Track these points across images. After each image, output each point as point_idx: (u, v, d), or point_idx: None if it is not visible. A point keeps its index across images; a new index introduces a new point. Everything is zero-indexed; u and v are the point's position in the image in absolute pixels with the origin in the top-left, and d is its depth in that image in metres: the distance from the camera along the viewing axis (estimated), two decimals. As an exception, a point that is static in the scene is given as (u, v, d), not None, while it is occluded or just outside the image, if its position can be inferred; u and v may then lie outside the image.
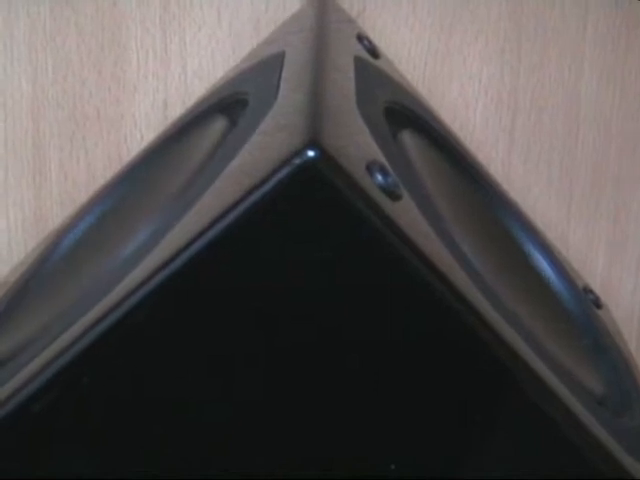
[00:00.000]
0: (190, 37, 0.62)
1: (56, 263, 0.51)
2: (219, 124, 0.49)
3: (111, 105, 0.62)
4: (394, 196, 0.35)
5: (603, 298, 0.57)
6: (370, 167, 0.34)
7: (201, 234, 0.33)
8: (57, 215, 0.63)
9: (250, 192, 0.32)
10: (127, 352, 0.35)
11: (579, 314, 0.51)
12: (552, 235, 0.61)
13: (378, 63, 0.52)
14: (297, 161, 0.32)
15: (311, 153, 0.32)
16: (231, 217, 0.33)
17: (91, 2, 0.61)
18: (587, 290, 0.56)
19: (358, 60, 0.48)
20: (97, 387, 0.35)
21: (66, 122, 0.62)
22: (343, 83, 0.42)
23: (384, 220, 0.33)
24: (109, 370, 0.35)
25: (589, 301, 0.55)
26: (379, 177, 0.34)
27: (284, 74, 0.44)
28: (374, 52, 0.53)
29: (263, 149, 0.37)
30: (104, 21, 0.61)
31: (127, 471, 0.36)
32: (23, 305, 0.48)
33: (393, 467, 0.36)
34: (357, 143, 0.37)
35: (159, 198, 0.48)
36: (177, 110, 0.61)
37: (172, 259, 0.34)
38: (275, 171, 0.32)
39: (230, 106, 0.49)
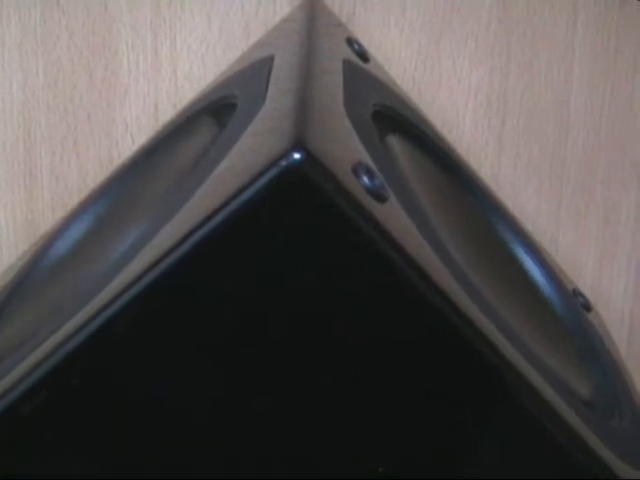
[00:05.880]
0: (181, 41, 0.62)
1: (47, 266, 0.51)
2: (208, 127, 0.49)
3: (102, 109, 0.62)
4: (380, 198, 0.35)
5: (593, 301, 0.57)
6: (356, 169, 0.35)
7: (187, 236, 0.33)
8: (48, 219, 0.63)
9: (236, 194, 0.32)
10: (116, 354, 0.35)
11: (569, 317, 0.52)
12: (541, 238, 0.62)
13: (367, 67, 0.52)
14: (283, 163, 0.32)
15: (297, 155, 0.32)
16: (217, 220, 0.33)
17: (82, 6, 0.61)
18: (577, 293, 0.56)
19: (347, 63, 0.48)
20: (86, 389, 0.35)
21: (57, 126, 0.63)
22: (331, 86, 0.42)
23: (370, 222, 0.33)
24: (98, 372, 0.35)
25: (579, 304, 0.55)
26: (365, 179, 0.34)
27: (273, 77, 0.44)
28: (363, 56, 0.53)
29: (250, 152, 0.37)
30: (95, 25, 0.61)
31: (117, 473, 0.36)
32: (13, 308, 0.48)
33: (381, 469, 0.36)
34: (344, 145, 0.37)
35: (149, 201, 0.48)
36: (168, 113, 0.62)
37: (160, 261, 0.34)
38: (261, 173, 0.32)
39: (219, 109, 0.49)
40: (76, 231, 0.52)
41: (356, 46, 0.53)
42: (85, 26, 0.61)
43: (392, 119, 0.49)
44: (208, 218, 0.33)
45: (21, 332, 0.43)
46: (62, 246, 0.52)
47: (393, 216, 0.35)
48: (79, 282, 0.44)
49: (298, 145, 0.32)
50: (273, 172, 0.32)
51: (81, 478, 0.36)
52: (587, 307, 0.56)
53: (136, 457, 0.36)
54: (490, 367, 0.35)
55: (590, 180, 0.65)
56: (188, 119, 0.54)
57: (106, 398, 0.35)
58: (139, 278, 0.34)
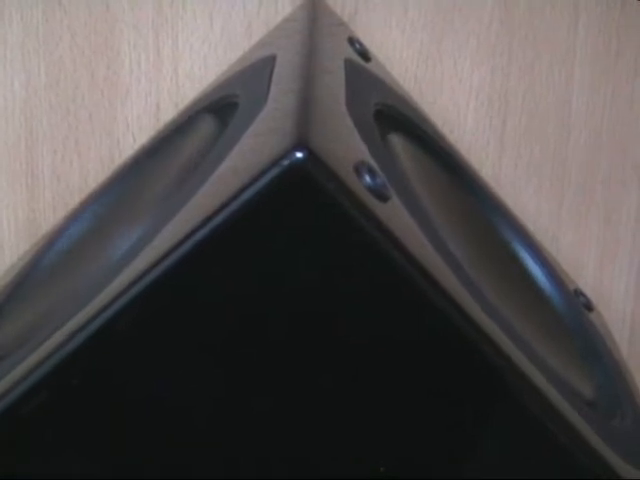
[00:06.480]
0: (183, 40, 0.62)
1: (48, 266, 0.51)
2: (210, 127, 0.49)
3: (104, 108, 0.62)
4: (382, 197, 0.35)
5: (594, 301, 0.57)
6: (358, 168, 0.35)
7: (189, 236, 0.33)
8: (50, 218, 0.63)
9: (238, 193, 0.32)
10: (117, 354, 0.35)
11: (570, 317, 0.52)
12: (543, 238, 0.61)
13: (369, 66, 0.52)
14: (285, 162, 0.32)
15: (299, 154, 0.32)
16: (218, 219, 0.33)
17: (84, 6, 0.61)
18: (578, 293, 0.56)
19: (349, 63, 0.48)
20: (87, 389, 0.35)
21: (59, 125, 0.63)
22: (333, 86, 0.42)
23: (372, 221, 0.33)
24: (99, 372, 0.35)
25: (580, 304, 0.55)
26: (367, 178, 0.34)
27: (274, 77, 0.44)
28: (365, 55, 0.53)
29: (252, 151, 0.37)
30: (97, 25, 0.61)
31: (117, 473, 0.36)
32: (14, 308, 0.48)
33: (382, 469, 0.36)
34: (346, 145, 0.37)
35: (151, 200, 0.48)
36: (169, 113, 0.62)
37: (161, 260, 0.34)
38: (263, 172, 0.32)
39: (221, 109, 0.49)
40: (77, 231, 0.52)
41: (358, 46, 0.53)
42: (87, 26, 0.61)
43: (394, 119, 0.49)
44: (210, 217, 0.33)
45: (21, 332, 0.43)
46: (63, 246, 0.52)
47: (395, 215, 0.35)
48: (80, 282, 0.44)
49: (300, 144, 0.32)
50: (275, 171, 0.32)
51: (81, 478, 0.36)
52: (588, 307, 0.56)
53: (136, 457, 0.36)
54: (492, 367, 0.35)
55: (591, 180, 0.65)
56: (189, 119, 0.54)
57: (106, 398, 0.35)
58: (140, 278, 0.34)
